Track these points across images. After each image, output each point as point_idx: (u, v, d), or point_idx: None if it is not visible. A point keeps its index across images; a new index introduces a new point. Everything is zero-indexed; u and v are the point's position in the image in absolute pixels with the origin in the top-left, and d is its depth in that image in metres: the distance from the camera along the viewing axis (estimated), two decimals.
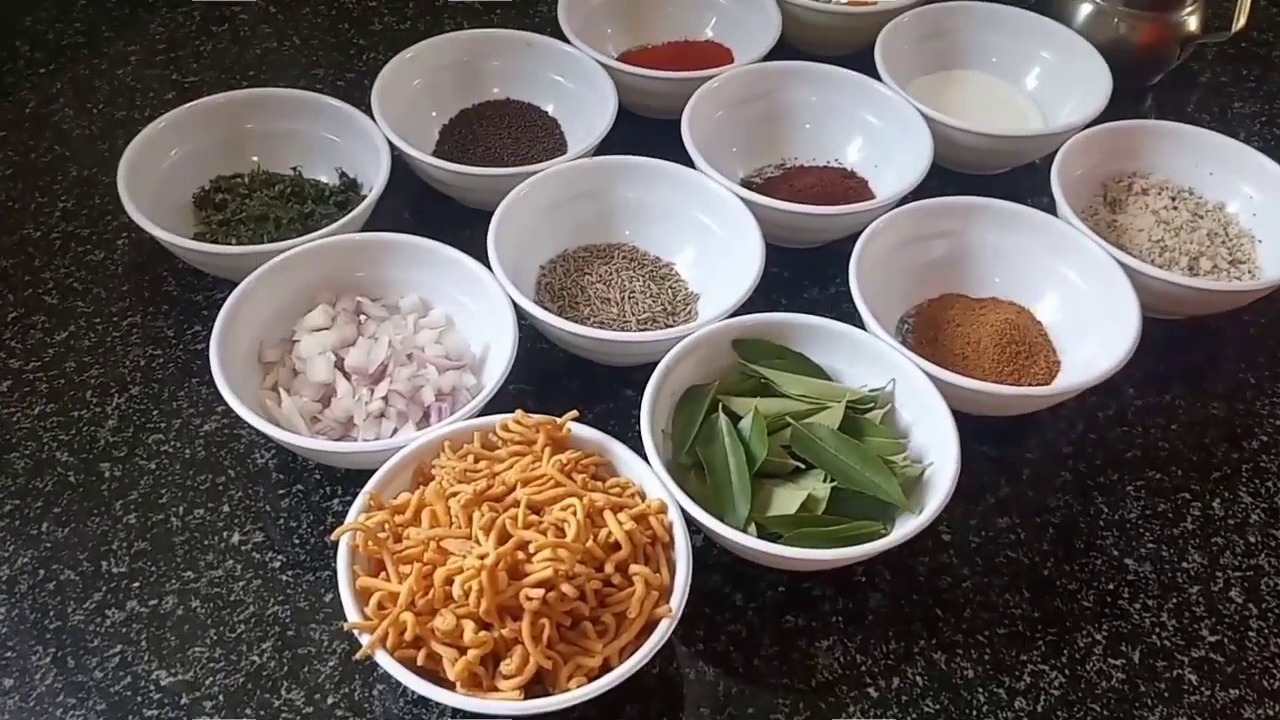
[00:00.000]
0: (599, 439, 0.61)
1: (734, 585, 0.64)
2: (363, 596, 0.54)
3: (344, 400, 0.66)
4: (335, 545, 0.55)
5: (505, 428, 0.60)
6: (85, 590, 0.61)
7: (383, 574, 0.54)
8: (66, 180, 0.84)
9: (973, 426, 0.67)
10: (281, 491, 0.66)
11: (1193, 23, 0.95)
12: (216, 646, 0.59)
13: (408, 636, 0.52)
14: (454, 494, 0.56)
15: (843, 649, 0.61)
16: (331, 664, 0.59)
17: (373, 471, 0.59)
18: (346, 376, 0.67)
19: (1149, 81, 0.99)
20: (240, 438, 0.68)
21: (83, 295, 0.76)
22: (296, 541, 0.64)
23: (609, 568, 0.54)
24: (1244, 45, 1.04)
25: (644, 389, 0.63)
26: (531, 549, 0.53)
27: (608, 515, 0.56)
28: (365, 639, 0.52)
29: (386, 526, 0.55)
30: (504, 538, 0.53)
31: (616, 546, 0.55)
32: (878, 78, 0.85)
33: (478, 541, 0.53)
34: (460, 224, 0.77)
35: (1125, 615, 0.64)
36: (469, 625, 0.52)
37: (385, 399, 0.66)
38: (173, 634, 0.60)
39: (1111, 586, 0.65)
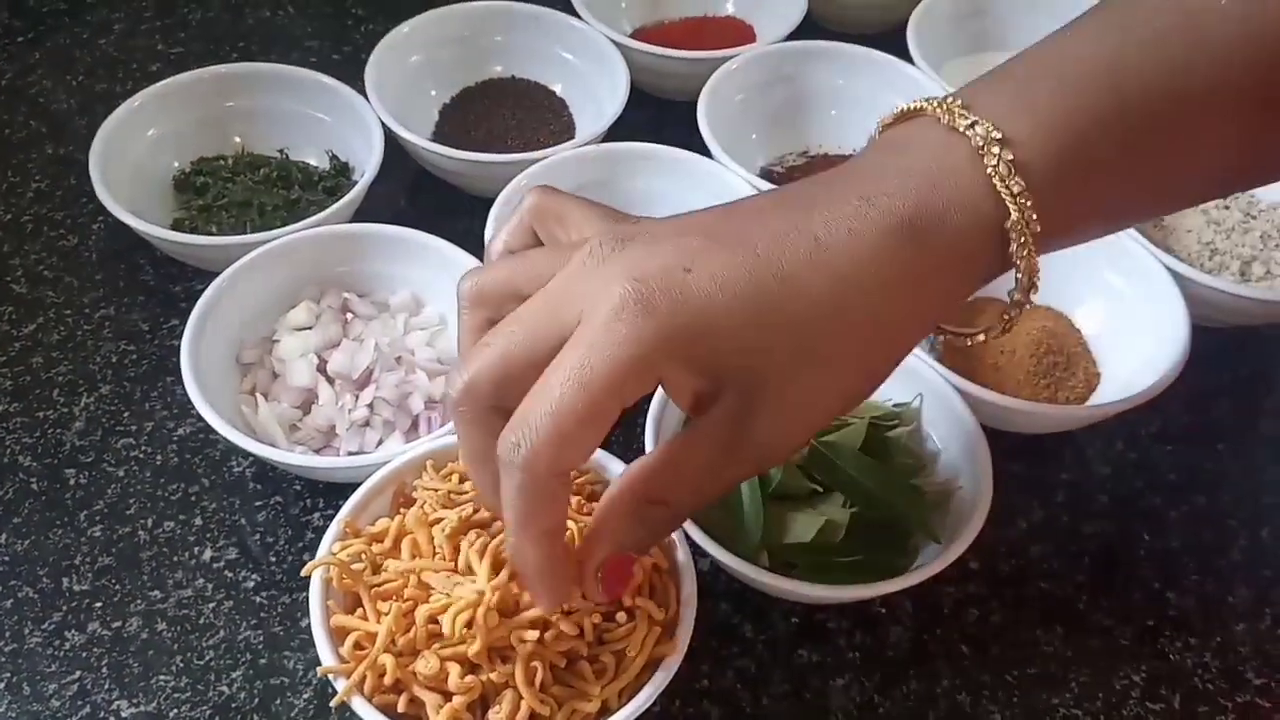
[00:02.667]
0: (597, 457, 0.56)
1: (743, 615, 0.59)
2: (338, 636, 0.49)
3: (326, 408, 0.61)
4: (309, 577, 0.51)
5: None
6: (44, 610, 0.57)
7: (359, 610, 0.50)
8: (41, 159, 0.79)
9: (1004, 443, 0.62)
10: (258, 503, 0.62)
11: None
12: (183, 675, 0.55)
13: (387, 680, 0.48)
14: (437, 520, 0.51)
15: (859, 688, 0.57)
16: (306, 696, 0.55)
17: (358, 483, 0.54)
18: (329, 381, 0.62)
19: None
20: (216, 444, 0.64)
21: (53, 285, 0.71)
22: (273, 559, 0.60)
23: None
24: None
25: (650, 400, 0.59)
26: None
27: None
28: (341, 683, 0.48)
29: (364, 557, 0.51)
30: (498, 567, 0.49)
31: None
32: (910, 60, 0.80)
33: (463, 575, 0.49)
34: (459, 211, 0.73)
35: (1165, 655, 0.59)
36: (454, 668, 0.47)
37: (370, 406, 0.61)
38: (136, 660, 0.55)
39: (1151, 623, 0.60)
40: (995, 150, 0.38)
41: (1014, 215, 0.38)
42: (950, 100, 0.41)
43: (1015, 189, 0.38)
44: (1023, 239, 0.39)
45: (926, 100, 0.42)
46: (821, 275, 0.38)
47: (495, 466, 0.38)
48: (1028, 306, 0.42)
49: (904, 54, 0.81)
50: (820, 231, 0.38)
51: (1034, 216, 0.38)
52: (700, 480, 0.41)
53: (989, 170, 0.38)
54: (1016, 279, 0.40)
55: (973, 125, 0.39)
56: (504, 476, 0.38)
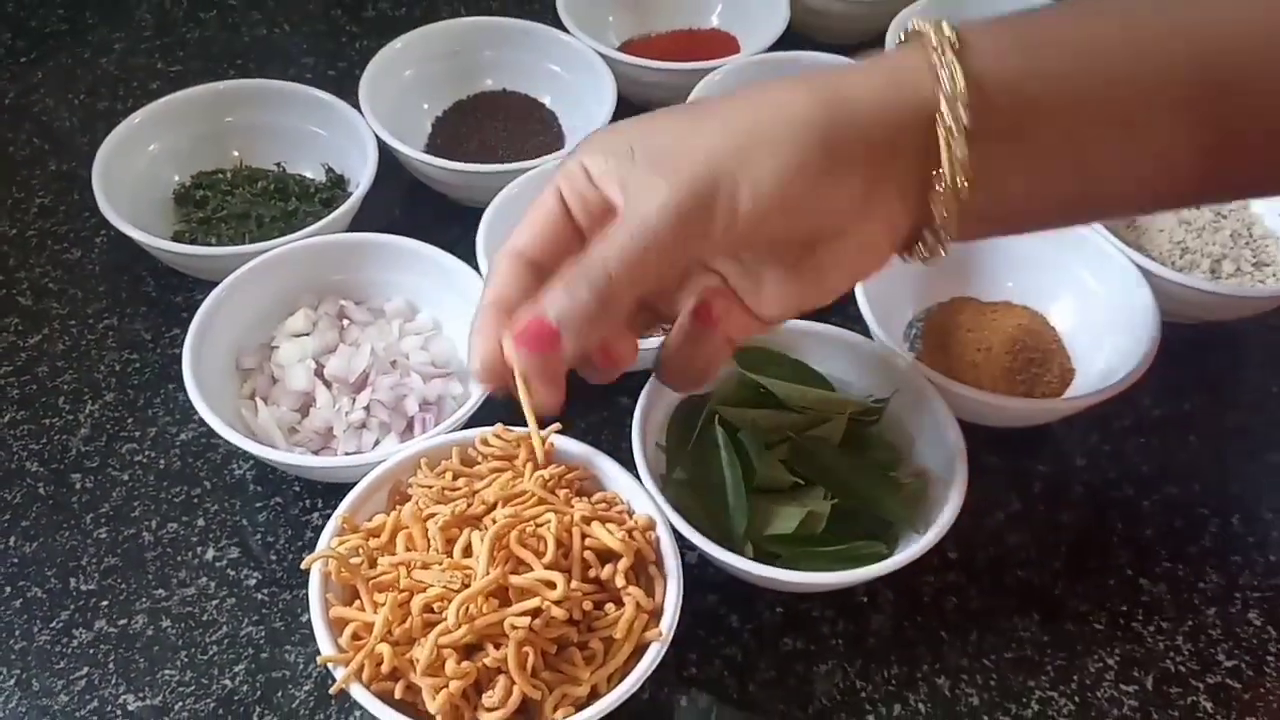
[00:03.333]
0: (585, 452, 0.58)
1: (730, 605, 0.61)
2: (337, 627, 0.51)
3: (323, 410, 0.63)
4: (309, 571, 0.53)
5: (485, 442, 0.57)
6: (52, 609, 0.59)
7: (357, 602, 0.52)
8: (45, 175, 0.81)
9: (982, 436, 0.64)
10: (259, 504, 0.64)
11: None
12: (187, 669, 0.57)
13: (385, 669, 0.49)
14: (431, 515, 0.53)
15: (843, 674, 0.59)
16: (306, 689, 0.57)
17: (355, 483, 0.56)
18: (327, 385, 0.64)
19: None
20: (217, 447, 0.66)
21: (58, 296, 0.74)
22: (274, 558, 0.62)
23: (606, 573, 0.52)
24: None
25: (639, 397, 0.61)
26: (521, 580, 0.50)
27: (595, 526, 0.53)
28: (340, 672, 0.49)
29: (361, 551, 0.53)
30: (503, 559, 0.51)
31: (605, 559, 0.53)
32: None
33: (457, 567, 0.51)
34: (452, 220, 0.75)
35: (1139, 639, 0.61)
36: (451, 655, 0.49)
37: (367, 409, 0.63)
38: (142, 656, 0.57)
39: (1125, 608, 0.62)
40: (950, 52, 0.43)
41: (945, 118, 0.43)
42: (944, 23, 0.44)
43: (958, 84, 0.42)
44: (951, 131, 0.43)
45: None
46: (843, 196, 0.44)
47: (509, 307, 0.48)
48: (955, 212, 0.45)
49: None
50: (771, 92, 0.45)
51: (964, 120, 0.42)
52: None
53: (935, 64, 0.43)
54: (942, 175, 0.44)
55: (940, 30, 0.43)
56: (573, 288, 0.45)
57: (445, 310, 0.69)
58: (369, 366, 0.64)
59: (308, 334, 0.66)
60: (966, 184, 0.43)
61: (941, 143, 0.43)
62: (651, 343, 0.64)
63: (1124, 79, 0.44)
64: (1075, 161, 0.46)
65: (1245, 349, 0.76)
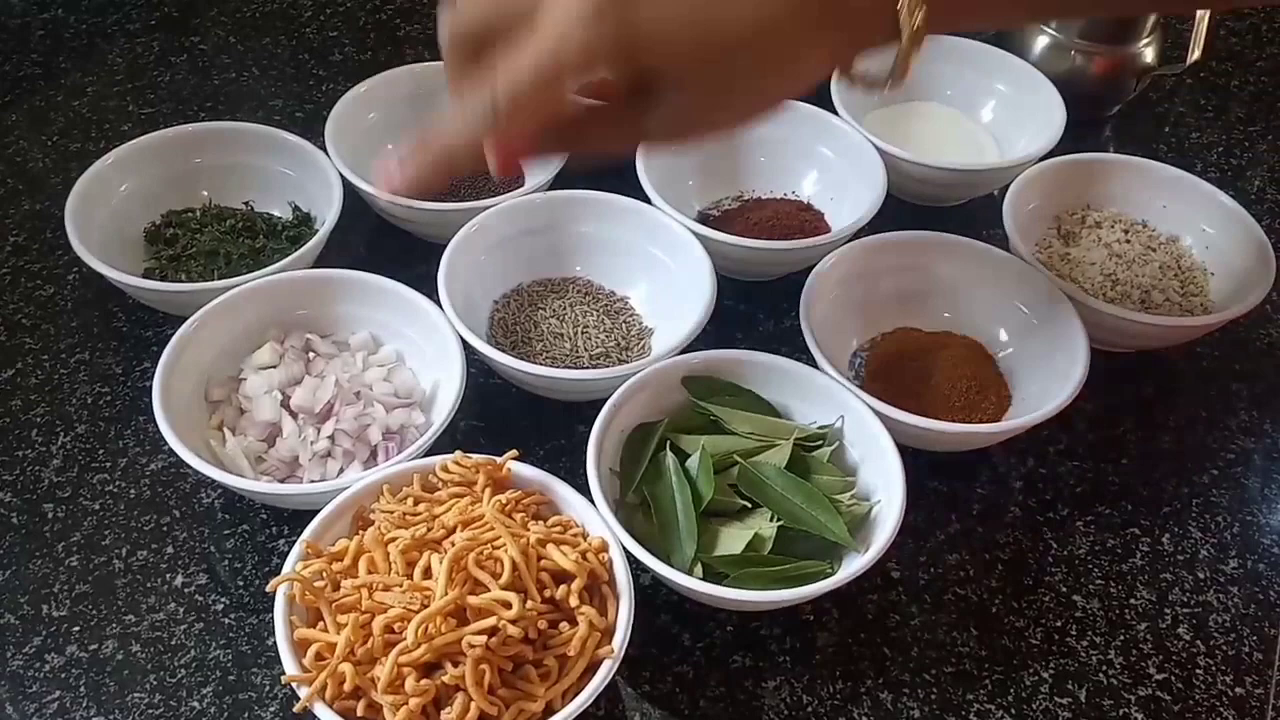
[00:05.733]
0: (541, 478, 0.61)
1: (682, 625, 0.63)
2: (301, 648, 0.53)
3: (289, 440, 0.65)
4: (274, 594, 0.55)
5: (445, 468, 0.59)
6: (25, 634, 0.61)
7: (321, 624, 0.54)
8: (19, 214, 0.83)
9: (924, 461, 0.67)
10: (227, 532, 0.66)
11: (1149, 54, 0.95)
12: (156, 692, 0.59)
13: (347, 687, 0.52)
14: (392, 539, 0.55)
15: (789, 689, 0.61)
16: (273, 709, 0.58)
17: (320, 510, 0.58)
18: (293, 416, 0.66)
19: (1107, 112, 0.99)
20: (186, 477, 0.68)
21: (31, 331, 0.75)
22: (241, 583, 0.63)
23: (561, 593, 0.54)
24: (1203, 75, 1.05)
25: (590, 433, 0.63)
26: (478, 600, 0.52)
27: (550, 548, 0.56)
28: (304, 691, 0.51)
29: (324, 575, 0.55)
30: (460, 580, 0.53)
31: (560, 580, 0.55)
32: (834, 111, 0.85)
33: (416, 589, 0.53)
34: (416, 258, 0.77)
35: (1073, 653, 0.64)
36: (410, 674, 0.51)
37: (331, 438, 0.66)
38: (112, 679, 0.59)
39: (1059, 624, 0.65)
40: None
41: None
42: None
43: None
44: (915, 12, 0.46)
45: None
46: (750, 8, 0.45)
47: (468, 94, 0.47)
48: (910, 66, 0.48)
49: (829, 106, 0.86)
50: None
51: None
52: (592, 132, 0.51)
53: None
54: (901, 44, 0.47)
55: None
56: (470, 106, 0.47)
57: (408, 343, 0.71)
58: (334, 397, 0.67)
59: (274, 366, 0.69)
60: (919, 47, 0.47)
61: (901, 25, 0.46)
62: (597, 373, 0.67)
63: None
64: None
65: (1174, 376, 0.79)
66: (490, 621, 0.52)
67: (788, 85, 0.49)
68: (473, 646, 0.51)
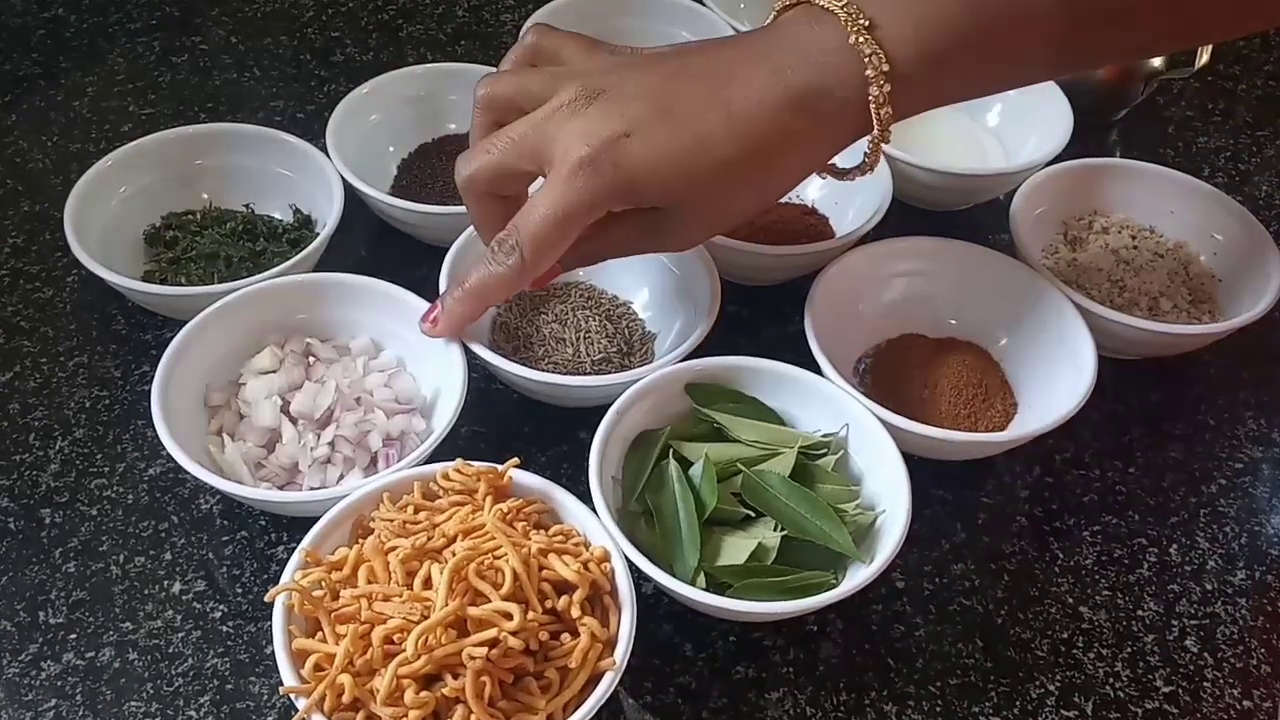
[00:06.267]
0: (543, 486, 0.60)
1: (684, 636, 0.63)
2: (299, 658, 0.53)
3: (289, 446, 0.65)
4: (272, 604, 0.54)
5: (446, 477, 0.59)
6: (21, 642, 0.60)
7: (320, 634, 0.53)
8: (18, 215, 0.83)
9: (929, 470, 0.67)
10: (225, 538, 0.65)
11: (1157, 59, 0.94)
12: (153, 701, 0.58)
13: (345, 699, 0.51)
14: (392, 549, 0.55)
15: (793, 701, 0.61)
16: (270, 719, 0.58)
17: (319, 518, 0.58)
18: (293, 421, 0.66)
19: (1114, 117, 0.98)
20: (185, 482, 0.67)
21: (29, 334, 0.75)
22: (239, 590, 0.63)
23: (562, 604, 0.54)
24: (1210, 80, 1.04)
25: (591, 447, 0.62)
26: (478, 612, 0.52)
27: (552, 558, 0.55)
28: (302, 703, 0.51)
29: (323, 584, 0.54)
30: (461, 590, 0.52)
31: (562, 590, 0.55)
32: None
33: (416, 599, 0.52)
34: (417, 261, 0.76)
35: (1079, 665, 0.63)
36: (410, 686, 0.51)
37: (331, 444, 0.65)
38: (109, 688, 0.59)
39: (1065, 635, 0.64)
40: (865, 37, 0.53)
41: (875, 93, 0.53)
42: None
43: (882, 69, 0.53)
44: (882, 110, 0.54)
45: None
46: (730, 141, 0.54)
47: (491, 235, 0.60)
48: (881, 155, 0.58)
49: None
50: (734, 104, 0.54)
51: (888, 90, 0.53)
52: (615, 247, 0.63)
53: (864, 56, 0.53)
54: (873, 134, 0.56)
55: (853, 18, 0.53)
56: (499, 258, 0.59)
57: (409, 348, 0.71)
58: (334, 403, 0.66)
59: (274, 371, 0.68)
60: (889, 125, 0.55)
61: (872, 111, 0.54)
62: (599, 380, 0.66)
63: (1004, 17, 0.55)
64: (965, 83, 0.59)
65: (1182, 384, 0.79)
66: (491, 633, 0.51)
67: (783, 185, 0.60)
68: (473, 658, 0.51)
